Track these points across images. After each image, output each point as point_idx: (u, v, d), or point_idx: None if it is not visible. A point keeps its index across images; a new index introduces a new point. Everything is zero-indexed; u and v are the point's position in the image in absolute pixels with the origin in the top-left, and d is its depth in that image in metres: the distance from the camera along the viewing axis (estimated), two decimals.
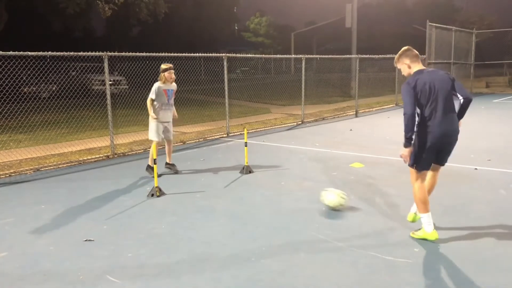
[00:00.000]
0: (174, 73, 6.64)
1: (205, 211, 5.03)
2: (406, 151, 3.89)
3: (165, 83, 6.55)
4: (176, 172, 6.79)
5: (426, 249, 3.84)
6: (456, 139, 3.96)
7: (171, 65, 6.65)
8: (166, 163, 6.94)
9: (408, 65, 4.03)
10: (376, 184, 5.95)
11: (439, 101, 3.81)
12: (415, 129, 3.83)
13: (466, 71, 21.18)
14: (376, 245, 3.96)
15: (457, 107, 3.96)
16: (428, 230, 3.94)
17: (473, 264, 3.55)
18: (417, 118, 3.84)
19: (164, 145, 6.97)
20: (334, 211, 4.83)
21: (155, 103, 6.52)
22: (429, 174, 4.13)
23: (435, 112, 3.81)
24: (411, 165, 4.00)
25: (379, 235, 4.19)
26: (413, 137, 3.83)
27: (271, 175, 6.56)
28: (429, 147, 3.86)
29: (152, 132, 6.61)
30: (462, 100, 3.93)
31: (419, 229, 4.06)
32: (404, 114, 3.80)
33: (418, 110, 3.84)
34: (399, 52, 4.11)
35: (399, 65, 4.12)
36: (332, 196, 4.84)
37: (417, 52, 4.08)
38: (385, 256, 3.72)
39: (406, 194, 5.44)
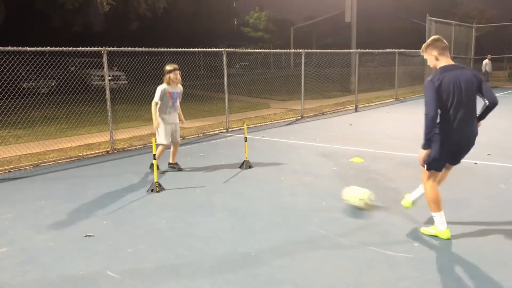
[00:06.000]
0: (180, 74, 6.35)
1: (205, 206, 5.03)
2: (424, 153, 3.74)
3: (170, 85, 6.28)
4: (180, 169, 6.65)
5: (426, 244, 3.84)
6: (473, 144, 3.83)
7: (176, 66, 6.33)
8: (169, 163, 6.69)
9: (435, 57, 3.81)
10: (376, 178, 5.95)
11: (463, 104, 3.64)
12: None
13: (465, 65, 21.16)
14: (376, 239, 3.96)
15: (479, 109, 3.84)
16: (441, 228, 3.91)
17: (474, 258, 3.55)
18: (438, 119, 3.66)
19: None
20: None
21: (159, 106, 6.25)
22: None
23: (457, 115, 3.65)
24: (424, 166, 3.88)
25: (379, 230, 4.18)
26: (433, 138, 3.67)
27: (271, 170, 6.55)
28: (446, 151, 3.76)
29: (161, 136, 6.36)
30: (488, 103, 3.79)
31: (431, 226, 4.04)
32: (425, 115, 3.59)
33: (439, 111, 3.64)
34: (428, 41, 3.89)
35: (426, 56, 3.90)
36: (357, 192, 4.74)
37: (446, 44, 3.85)
38: (385, 251, 3.72)
39: (406, 188, 5.43)
